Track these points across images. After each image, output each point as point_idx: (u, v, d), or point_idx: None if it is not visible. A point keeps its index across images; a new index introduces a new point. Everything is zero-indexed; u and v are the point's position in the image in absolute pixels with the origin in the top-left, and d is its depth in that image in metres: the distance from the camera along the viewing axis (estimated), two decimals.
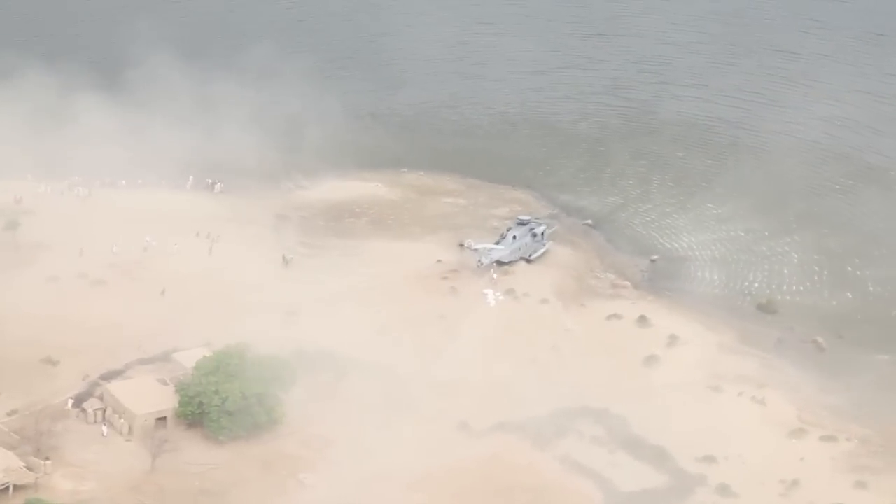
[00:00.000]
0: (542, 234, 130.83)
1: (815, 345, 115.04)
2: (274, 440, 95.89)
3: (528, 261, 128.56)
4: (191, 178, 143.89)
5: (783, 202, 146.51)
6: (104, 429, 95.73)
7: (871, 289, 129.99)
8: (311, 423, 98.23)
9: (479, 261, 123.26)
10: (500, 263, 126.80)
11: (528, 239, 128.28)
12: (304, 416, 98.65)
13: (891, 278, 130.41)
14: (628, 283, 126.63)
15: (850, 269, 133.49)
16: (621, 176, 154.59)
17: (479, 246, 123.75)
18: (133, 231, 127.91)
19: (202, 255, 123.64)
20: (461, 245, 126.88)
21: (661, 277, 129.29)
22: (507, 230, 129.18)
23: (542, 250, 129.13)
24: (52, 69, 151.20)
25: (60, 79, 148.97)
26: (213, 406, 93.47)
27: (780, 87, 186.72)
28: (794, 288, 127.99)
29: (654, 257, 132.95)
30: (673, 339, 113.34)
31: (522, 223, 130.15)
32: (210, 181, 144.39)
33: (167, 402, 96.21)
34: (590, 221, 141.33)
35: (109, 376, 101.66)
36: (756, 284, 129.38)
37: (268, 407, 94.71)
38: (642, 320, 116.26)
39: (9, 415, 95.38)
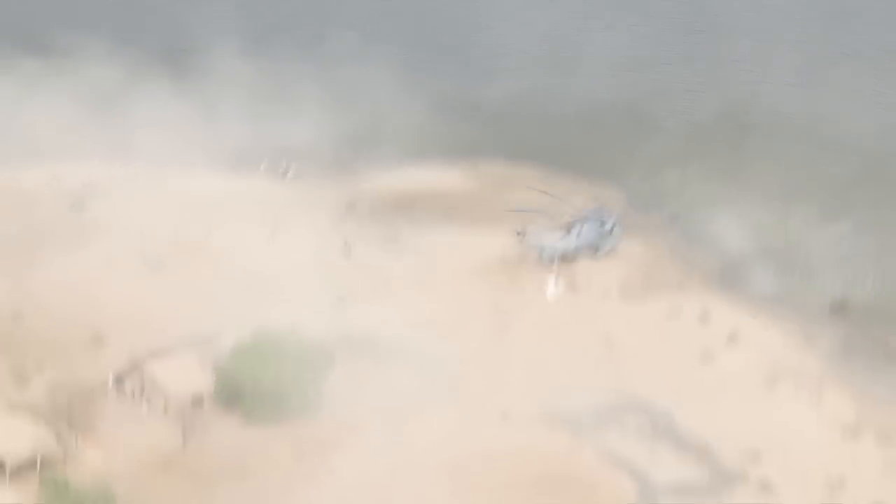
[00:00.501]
0: (613, 226, 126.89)
1: (886, 346, 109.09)
2: (308, 424, 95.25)
3: (596, 254, 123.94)
4: (264, 163, 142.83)
5: (878, 203, 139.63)
6: (144, 407, 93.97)
7: None
8: (348, 408, 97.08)
9: (541, 252, 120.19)
10: (564, 256, 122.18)
11: (597, 231, 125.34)
12: (342, 401, 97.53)
13: None
14: (696, 279, 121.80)
15: None
16: (709, 171, 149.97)
17: (539, 236, 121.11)
18: (198, 215, 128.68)
19: (263, 240, 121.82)
20: (518, 234, 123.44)
21: (733, 273, 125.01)
22: (575, 222, 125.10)
23: (611, 243, 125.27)
24: (122, 51, 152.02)
25: (132, 61, 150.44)
26: (248, 388, 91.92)
27: (889, 85, 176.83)
28: (874, 288, 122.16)
29: (727, 253, 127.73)
30: (733, 336, 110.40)
31: (591, 215, 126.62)
32: (283, 167, 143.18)
33: (204, 382, 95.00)
34: (666, 216, 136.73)
35: (154, 355, 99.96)
36: (835, 283, 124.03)
37: (303, 391, 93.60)
38: (704, 316, 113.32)
39: (48, 389, 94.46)
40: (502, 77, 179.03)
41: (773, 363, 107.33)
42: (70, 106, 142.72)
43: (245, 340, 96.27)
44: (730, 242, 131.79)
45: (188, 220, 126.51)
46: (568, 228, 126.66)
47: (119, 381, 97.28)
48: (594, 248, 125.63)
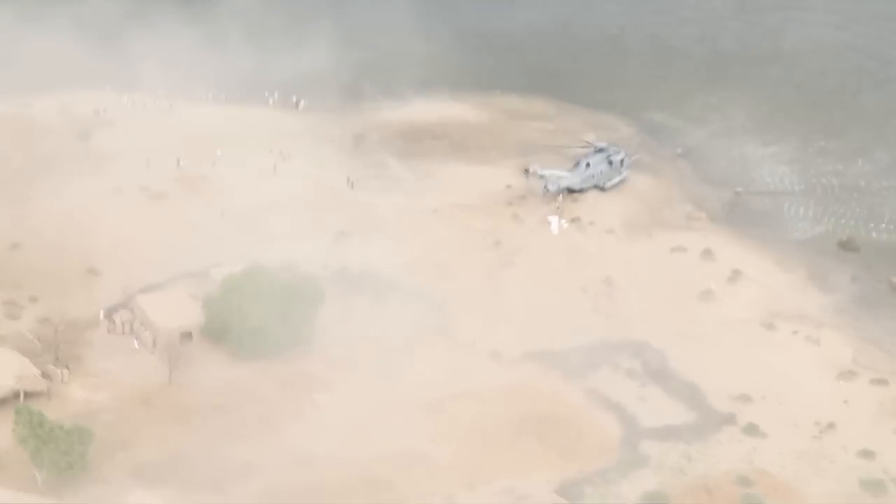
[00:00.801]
0: (621, 162, 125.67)
1: (891, 285, 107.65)
2: (298, 360, 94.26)
3: (603, 189, 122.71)
4: (275, 94, 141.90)
5: (888, 142, 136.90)
6: (135, 341, 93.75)
7: None
8: (339, 344, 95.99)
9: (546, 187, 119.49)
10: (570, 191, 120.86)
11: (604, 167, 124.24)
12: (333, 337, 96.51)
13: None
14: (704, 216, 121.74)
15: None
16: (726, 104, 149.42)
17: (544, 172, 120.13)
18: (206, 146, 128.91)
19: (268, 172, 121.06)
20: (526, 171, 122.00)
21: (741, 210, 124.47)
22: (581, 158, 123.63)
23: (617, 179, 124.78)
24: None
25: None
26: (236, 323, 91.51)
27: None
28: (881, 226, 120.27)
29: (739, 189, 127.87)
30: (736, 274, 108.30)
31: (599, 150, 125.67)
32: (295, 99, 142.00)
33: (194, 317, 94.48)
34: (679, 150, 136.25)
35: (147, 289, 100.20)
36: (842, 221, 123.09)
37: (292, 326, 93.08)
38: (707, 254, 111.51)
39: (39, 322, 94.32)
40: (525, 5, 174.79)
41: (773, 304, 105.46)
42: (80, 36, 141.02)
43: (232, 275, 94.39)
44: (741, 179, 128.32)
45: (194, 151, 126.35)
46: (575, 163, 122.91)
47: (110, 315, 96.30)
48: (601, 183, 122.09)
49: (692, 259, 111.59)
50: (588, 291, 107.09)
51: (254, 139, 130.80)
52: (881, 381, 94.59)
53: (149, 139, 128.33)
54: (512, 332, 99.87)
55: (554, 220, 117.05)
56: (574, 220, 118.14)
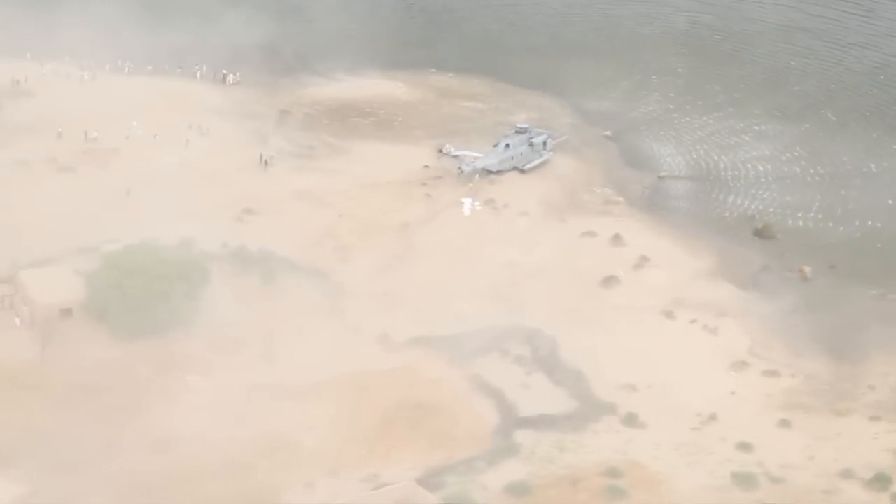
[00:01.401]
0: (544, 143, 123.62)
1: (801, 274, 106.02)
2: (179, 340, 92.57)
3: (522, 171, 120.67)
4: (203, 68, 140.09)
5: (825, 127, 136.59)
6: (16, 318, 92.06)
7: (881, 219, 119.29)
8: (226, 325, 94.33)
9: (460, 168, 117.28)
10: (488, 172, 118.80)
11: (525, 148, 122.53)
12: (220, 317, 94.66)
13: None
14: (622, 200, 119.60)
15: (865, 197, 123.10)
16: (662, 87, 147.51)
17: (458, 152, 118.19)
18: (123, 118, 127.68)
19: (180, 148, 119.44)
20: (440, 151, 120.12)
21: (662, 195, 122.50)
22: (501, 139, 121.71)
23: (538, 160, 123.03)
24: None
25: None
26: (115, 301, 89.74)
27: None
28: (802, 214, 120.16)
29: (663, 174, 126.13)
30: (643, 261, 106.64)
31: (520, 131, 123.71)
32: (224, 72, 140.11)
33: (76, 293, 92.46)
34: (609, 133, 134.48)
35: (36, 264, 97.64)
36: (765, 208, 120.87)
37: (174, 305, 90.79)
38: (617, 239, 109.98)
39: None
40: None
41: (678, 292, 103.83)
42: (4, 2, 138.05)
43: (114, 252, 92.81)
44: (669, 163, 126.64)
45: (110, 124, 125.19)
46: (494, 144, 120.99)
47: None
48: (520, 165, 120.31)
49: (601, 244, 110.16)
50: (489, 275, 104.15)
51: (174, 113, 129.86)
52: (773, 373, 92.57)
53: (65, 111, 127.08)
54: (405, 316, 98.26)
55: (467, 201, 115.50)
56: (488, 202, 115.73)
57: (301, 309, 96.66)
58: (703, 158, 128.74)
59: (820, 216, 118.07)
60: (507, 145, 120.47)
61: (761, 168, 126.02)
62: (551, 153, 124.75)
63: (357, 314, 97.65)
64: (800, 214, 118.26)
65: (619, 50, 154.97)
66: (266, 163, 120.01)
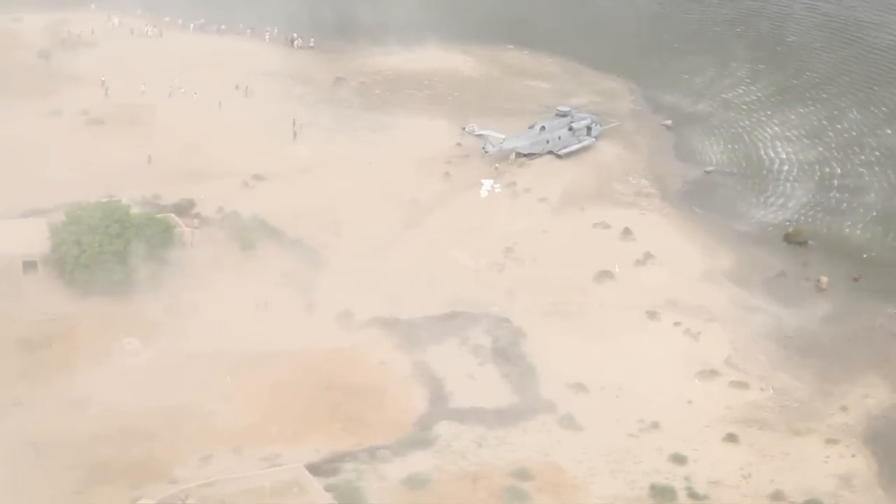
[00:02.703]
0: (589, 129, 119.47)
1: (817, 285, 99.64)
2: (136, 302, 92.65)
3: (558, 156, 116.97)
4: (275, 30, 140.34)
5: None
6: None
7: None
8: (188, 290, 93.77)
9: (484, 148, 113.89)
10: (520, 154, 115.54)
11: (563, 132, 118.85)
12: (186, 282, 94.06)
13: None
14: (655, 193, 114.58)
15: None
16: (736, 78, 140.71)
17: (482, 132, 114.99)
18: (173, 76, 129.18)
19: (215, 108, 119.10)
20: (463, 129, 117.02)
21: (702, 191, 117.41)
22: (538, 122, 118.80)
23: (576, 146, 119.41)
24: None
25: None
26: (71, 256, 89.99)
27: None
28: (844, 222, 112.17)
29: (710, 169, 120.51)
30: (647, 258, 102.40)
31: (561, 115, 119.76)
32: (294, 36, 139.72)
33: (42, 247, 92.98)
34: (669, 123, 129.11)
35: (27, 215, 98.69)
36: (804, 211, 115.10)
37: (131, 266, 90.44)
38: (627, 233, 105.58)
39: None
40: None
41: (674, 292, 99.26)
42: None
43: (76, 207, 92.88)
44: (721, 157, 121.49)
45: (157, 80, 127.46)
46: (530, 126, 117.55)
47: None
48: (556, 149, 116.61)
49: (609, 238, 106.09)
50: (482, 259, 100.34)
51: (226, 73, 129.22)
52: (741, 385, 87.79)
53: (119, 64, 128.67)
54: (377, 295, 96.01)
55: (487, 182, 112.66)
56: (509, 185, 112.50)
57: (271, 280, 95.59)
58: (757, 156, 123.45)
59: (861, 226, 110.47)
60: (543, 128, 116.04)
61: (813, 172, 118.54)
62: (594, 139, 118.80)
63: (328, 289, 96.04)
64: (841, 222, 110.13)
65: (707, 46, 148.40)
66: (296, 132, 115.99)
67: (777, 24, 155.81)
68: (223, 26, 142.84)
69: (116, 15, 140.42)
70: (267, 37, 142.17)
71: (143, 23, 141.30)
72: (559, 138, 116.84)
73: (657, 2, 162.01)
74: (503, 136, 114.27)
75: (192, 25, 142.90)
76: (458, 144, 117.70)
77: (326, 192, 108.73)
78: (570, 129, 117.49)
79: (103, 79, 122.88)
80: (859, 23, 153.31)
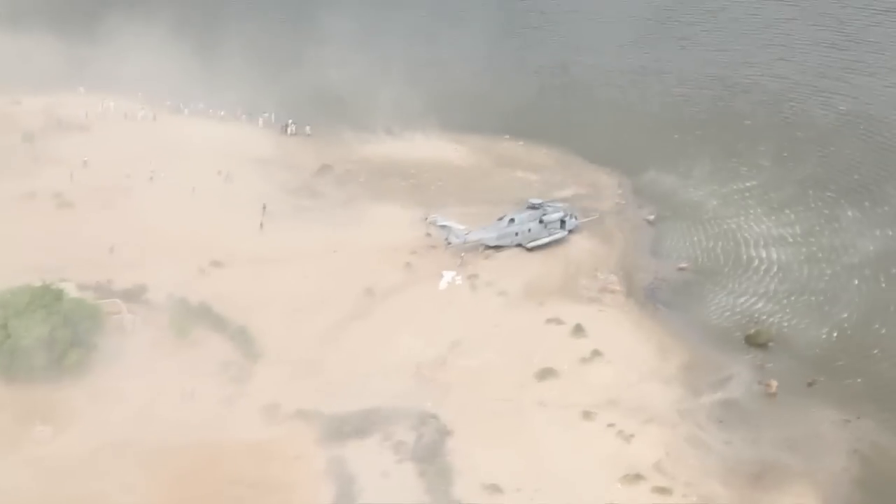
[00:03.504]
0: (562, 222, 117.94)
1: (767, 388, 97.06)
2: (61, 388, 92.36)
3: (527, 249, 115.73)
4: (270, 116, 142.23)
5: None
6: None
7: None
8: (117, 377, 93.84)
9: (447, 239, 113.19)
10: (489, 246, 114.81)
11: (534, 225, 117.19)
12: (116, 369, 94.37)
13: None
14: (620, 290, 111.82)
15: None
16: (736, 173, 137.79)
17: (445, 222, 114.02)
18: (157, 160, 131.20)
19: (188, 194, 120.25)
20: (426, 219, 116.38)
21: (671, 288, 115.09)
22: (507, 214, 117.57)
23: (546, 239, 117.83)
24: None
25: None
26: None
27: None
28: (811, 323, 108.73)
29: (683, 265, 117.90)
30: (595, 356, 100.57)
31: (532, 207, 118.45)
32: (289, 122, 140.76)
33: None
34: (652, 217, 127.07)
35: None
36: (773, 312, 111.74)
37: (57, 352, 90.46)
38: (578, 330, 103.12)
39: None
40: (580, 48, 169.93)
41: (617, 393, 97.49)
42: (86, 39, 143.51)
43: (8, 290, 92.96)
44: (699, 254, 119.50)
45: (140, 164, 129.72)
46: (499, 218, 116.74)
47: None
48: (525, 242, 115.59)
49: (561, 333, 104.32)
50: (425, 353, 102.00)
51: (213, 158, 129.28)
52: (664, 491, 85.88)
53: (105, 148, 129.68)
54: (309, 387, 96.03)
55: (448, 274, 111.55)
56: (471, 278, 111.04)
57: (205, 369, 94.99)
58: (738, 254, 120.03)
59: (828, 330, 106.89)
60: (512, 220, 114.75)
61: (793, 272, 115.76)
62: (566, 232, 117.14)
63: (260, 380, 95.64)
64: (808, 325, 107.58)
65: (711, 138, 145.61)
66: (262, 222, 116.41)
67: (789, 118, 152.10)
68: (222, 112, 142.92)
69: (113, 98, 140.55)
70: (261, 122, 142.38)
71: (137, 106, 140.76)
72: (529, 230, 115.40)
73: (667, 92, 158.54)
74: (463, 227, 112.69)
75: (186, 110, 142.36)
76: (428, 235, 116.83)
77: (282, 280, 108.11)
78: (541, 221, 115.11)
79: (85, 159, 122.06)
80: (875, 120, 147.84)
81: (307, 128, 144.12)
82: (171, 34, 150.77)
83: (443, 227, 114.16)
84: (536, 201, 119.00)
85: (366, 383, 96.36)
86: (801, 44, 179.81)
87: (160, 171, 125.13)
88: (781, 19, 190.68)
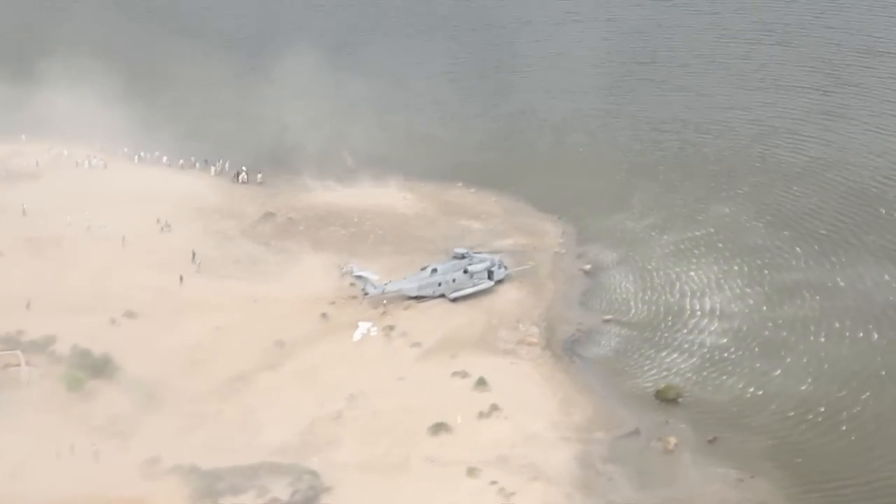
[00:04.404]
0: (490, 273, 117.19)
1: (664, 445, 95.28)
2: None
3: (451, 299, 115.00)
4: (224, 164, 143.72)
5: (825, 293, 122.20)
6: None
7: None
8: (14, 432, 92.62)
9: (364, 289, 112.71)
10: (412, 297, 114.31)
11: (458, 275, 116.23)
12: (3, 422, 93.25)
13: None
14: (538, 342, 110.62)
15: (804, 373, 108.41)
16: (688, 221, 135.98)
17: (360, 272, 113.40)
18: (95, 209, 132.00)
19: (118, 243, 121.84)
20: (342, 269, 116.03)
21: (592, 340, 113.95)
22: (430, 265, 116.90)
23: (470, 290, 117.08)
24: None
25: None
26: None
27: None
28: (728, 380, 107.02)
29: (608, 317, 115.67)
30: (493, 410, 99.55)
31: (457, 257, 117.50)
32: (241, 170, 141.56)
33: None
34: (588, 267, 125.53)
35: None
36: (690, 367, 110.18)
37: None
38: (481, 383, 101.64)
39: None
40: (533, 95, 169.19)
41: (508, 448, 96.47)
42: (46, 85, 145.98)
43: None
44: (629, 307, 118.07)
45: (82, 212, 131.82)
46: (423, 268, 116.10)
47: None
48: (447, 292, 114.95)
49: (464, 387, 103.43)
50: (323, 407, 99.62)
51: (156, 206, 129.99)
52: None
53: (49, 196, 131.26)
54: (195, 441, 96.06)
55: (364, 325, 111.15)
56: (387, 329, 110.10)
57: (94, 422, 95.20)
58: (671, 305, 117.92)
59: (743, 386, 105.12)
60: (435, 270, 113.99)
61: (725, 326, 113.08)
62: (493, 283, 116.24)
63: (147, 433, 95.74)
64: (725, 381, 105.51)
65: (668, 185, 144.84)
66: (182, 276, 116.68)
67: (757, 163, 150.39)
68: (180, 160, 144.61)
69: (66, 146, 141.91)
70: (213, 170, 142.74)
71: (91, 154, 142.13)
72: (453, 281, 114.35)
73: (636, 137, 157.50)
74: (377, 276, 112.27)
75: (137, 158, 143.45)
76: (352, 284, 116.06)
77: (196, 331, 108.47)
78: (466, 271, 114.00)
79: (25, 208, 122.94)
80: (845, 165, 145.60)
81: (259, 175, 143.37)
82: (130, 82, 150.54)
83: (358, 277, 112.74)
84: (462, 251, 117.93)
85: (255, 438, 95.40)
86: (787, 87, 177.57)
87: (100, 220, 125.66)
88: (773, 62, 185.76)
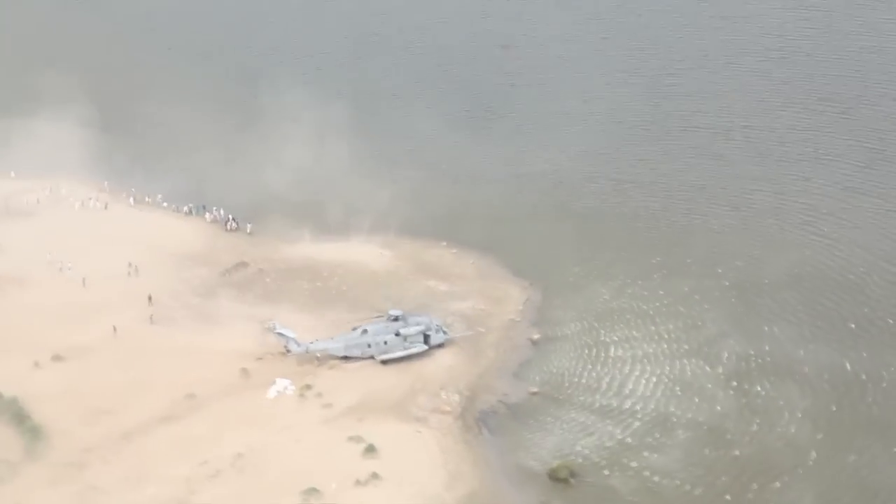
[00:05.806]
0: (426, 337, 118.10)
1: None
2: None
3: (381, 362, 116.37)
4: (219, 211, 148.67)
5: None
6: None
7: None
8: None
9: (286, 347, 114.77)
10: (337, 357, 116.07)
11: (390, 337, 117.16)
12: None
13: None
14: (452, 411, 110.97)
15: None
16: (654, 287, 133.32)
17: (282, 330, 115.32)
18: (81, 250, 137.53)
19: (78, 285, 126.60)
20: (265, 326, 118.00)
21: (511, 413, 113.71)
22: (363, 324, 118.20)
23: (400, 353, 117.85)
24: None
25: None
26: None
27: None
28: (633, 461, 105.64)
29: (535, 390, 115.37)
30: (372, 478, 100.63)
31: (391, 319, 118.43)
32: (230, 218, 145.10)
33: None
34: (536, 337, 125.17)
35: None
36: (605, 447, 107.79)
37: None
38: (371, 450, 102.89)
39: None
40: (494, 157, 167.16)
41: None
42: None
43: None
44: (553, 381, 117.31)
45: (62, 251, 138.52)
46: (354, 328, 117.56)
47: None
48: (376, 354, 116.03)
49: (353, 453, 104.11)
50: (208, 464, 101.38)
51: (135, 249, 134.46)
52: None
53: (35, 236, 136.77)
54: (66, 492, 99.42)
55: (281, 382, 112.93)
56: (305, 388, 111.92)
57: None
58: (599, 382, 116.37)
59: (644, 472, 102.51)
60: (365, 331, 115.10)
61: (655, 403, 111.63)
62: (427, 347, 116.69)
63: (21, 482, 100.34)
64: (629, 463, 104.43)
65: (660, 247, 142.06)
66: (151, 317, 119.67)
67: (737, 236, 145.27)
68: (185, 207, 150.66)
69: (71, 185, 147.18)
70: (208, 217, 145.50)
71: (92, 195, 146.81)
72: (385, 342, 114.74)
73: (636, 203, 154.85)
74: (294, 335, 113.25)
75: (131, 199, 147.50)
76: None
77: (114, 378, 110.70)
78: (398, 334, 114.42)
79: (2, 243, 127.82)
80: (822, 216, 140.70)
81: (248, 225, 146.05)
82: (144, 127, 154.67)
83: (279, 334, 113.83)
84: (397, 313, 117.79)
85: (129, 492, 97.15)
86: (827, 155, 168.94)
87: (74, 262, 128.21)
88: (812, 129, 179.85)
